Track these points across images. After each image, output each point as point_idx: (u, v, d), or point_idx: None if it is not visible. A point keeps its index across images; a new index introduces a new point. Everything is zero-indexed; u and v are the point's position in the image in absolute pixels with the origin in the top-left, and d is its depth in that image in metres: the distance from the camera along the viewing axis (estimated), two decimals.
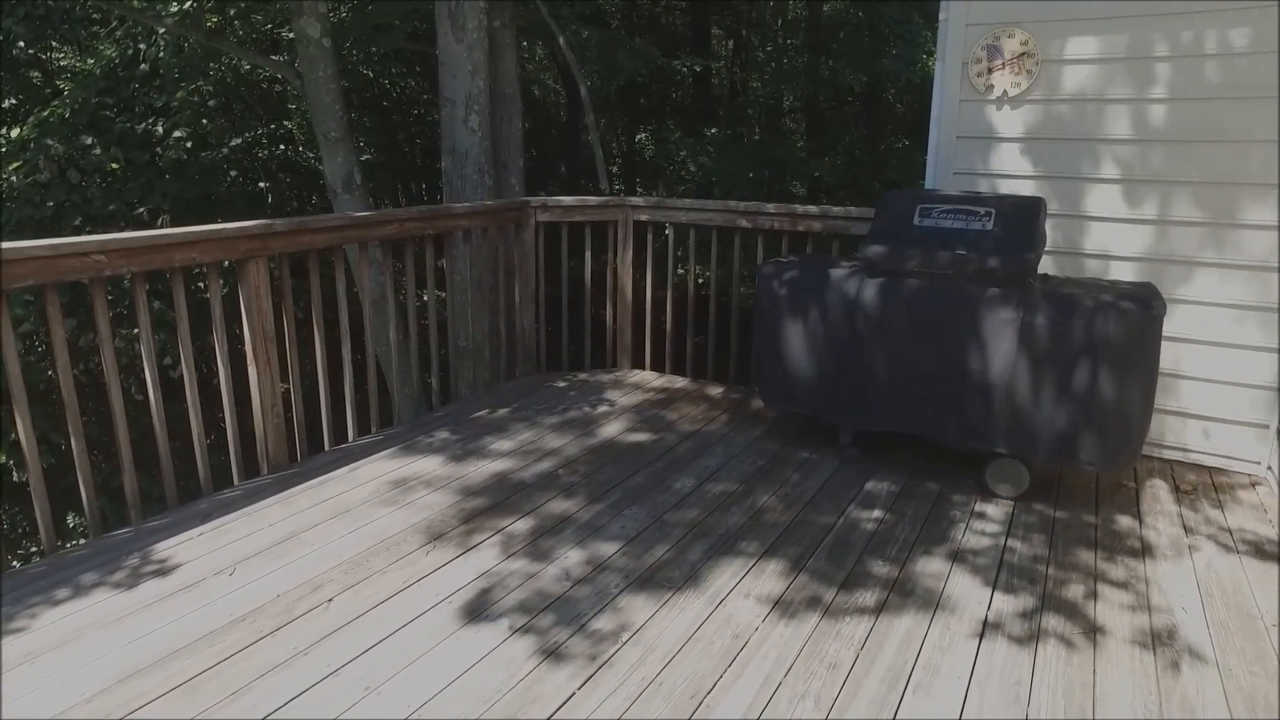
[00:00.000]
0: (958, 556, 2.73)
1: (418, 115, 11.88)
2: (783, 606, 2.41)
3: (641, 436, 3.76)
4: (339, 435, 3.63)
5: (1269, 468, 3.42)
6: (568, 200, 4.65)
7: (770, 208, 4.25)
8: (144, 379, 2.89)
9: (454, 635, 2.22)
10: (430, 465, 3.38)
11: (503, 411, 4.07)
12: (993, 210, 3.19)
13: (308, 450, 3.47)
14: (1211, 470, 3.53)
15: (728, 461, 3.49)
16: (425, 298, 4.17)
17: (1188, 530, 2.97)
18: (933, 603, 2.44)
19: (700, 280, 8.53)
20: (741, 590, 2.49)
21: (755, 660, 2.14)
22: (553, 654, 2.15)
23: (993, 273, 3.05)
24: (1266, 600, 2.50)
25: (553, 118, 13.59)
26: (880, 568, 2.64)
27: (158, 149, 7.19)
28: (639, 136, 13.86)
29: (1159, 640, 2.28)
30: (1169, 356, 3.43)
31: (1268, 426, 3.43)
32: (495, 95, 5.69)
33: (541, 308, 4.71)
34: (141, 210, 7.00)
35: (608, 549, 2.72)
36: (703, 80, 12.99)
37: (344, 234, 3.55)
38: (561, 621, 2.29)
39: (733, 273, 4.45)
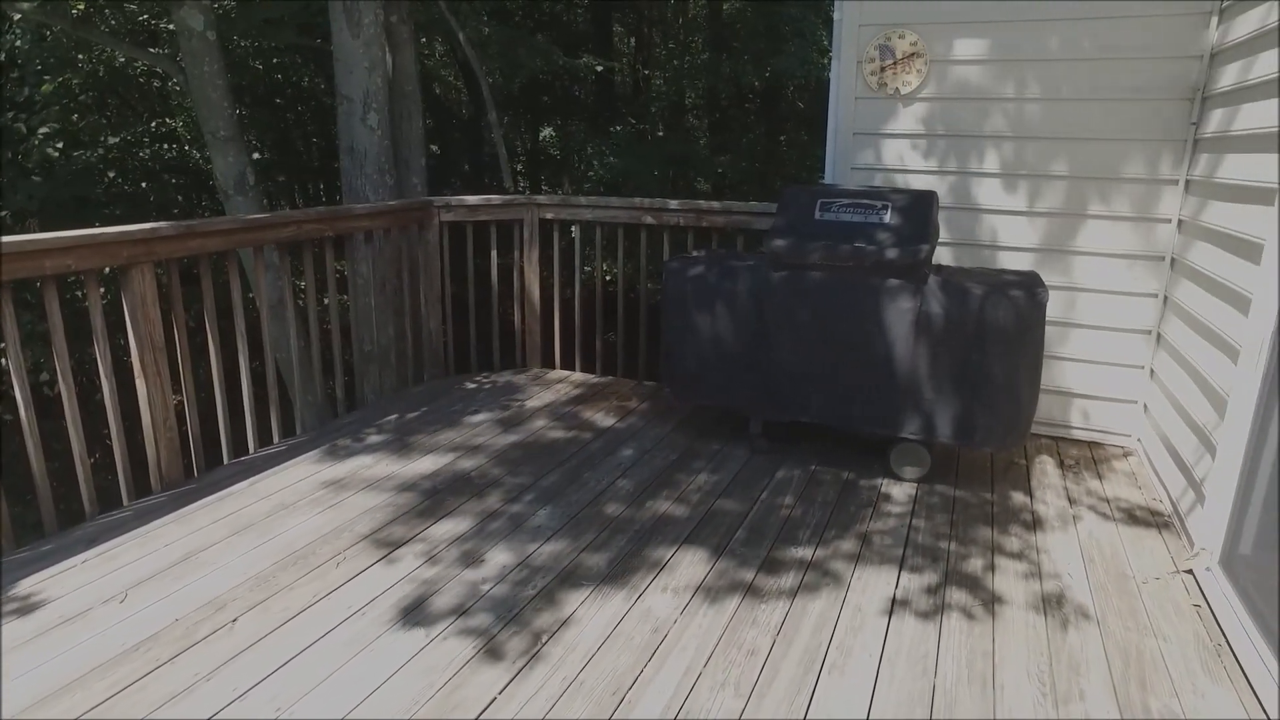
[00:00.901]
0: (866, 538, 2.83)
1: (315, 112, 11.46)
2: (700, 597, 2.44)
3: (554, 435, 3.74)
4: (239, 448, 3.47)
5: (1138, 439, 3.69)
6: (472, 199, 4.57)
7: (674, 204, 4.30)
8: (14, 396, 2.69)
9: (370, 646, 2.16)
10: (338, 474, 3.27)
11: (412, 416, 3.98)
12: (889, 204, 3.31)
13: (205, 465, 3.31)
14: (1091, 445, 3.78)
15: (641, 457, 3.52)
16: (327, 301, 4.03)
17: (1072, 502, 3.17)
18: (844, 584, 2.53)
19: (608, 277, 8.56)
20: (659, 584, 2.51)
21: (675, 652, 2.17)
22: (473, 659, 2.11)
23: (890, 264, 3.17)
24: (1138, 561, 2.70)
25: (455, 115, 13.35)
26: (793, 554, 2.71)
27: (21, 147, 6.68)
28: (543, 134, 13.77)
29: (1049, 605, 2.43)
30: (1052, 340, 3.65)
31: (1136, 402, 3.70)
32: (394, 92, 5.55)
33: (448, 309, 4.62)
34: (4, 213, 6.50)
35: (525, 549, 2.70)
36: (606, 78, 13.00)
37: (237, 237, 3.40)
38: (480, 625, 2.26)
39: (640, 269, 4.48)
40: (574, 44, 11.77)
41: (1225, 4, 3.23)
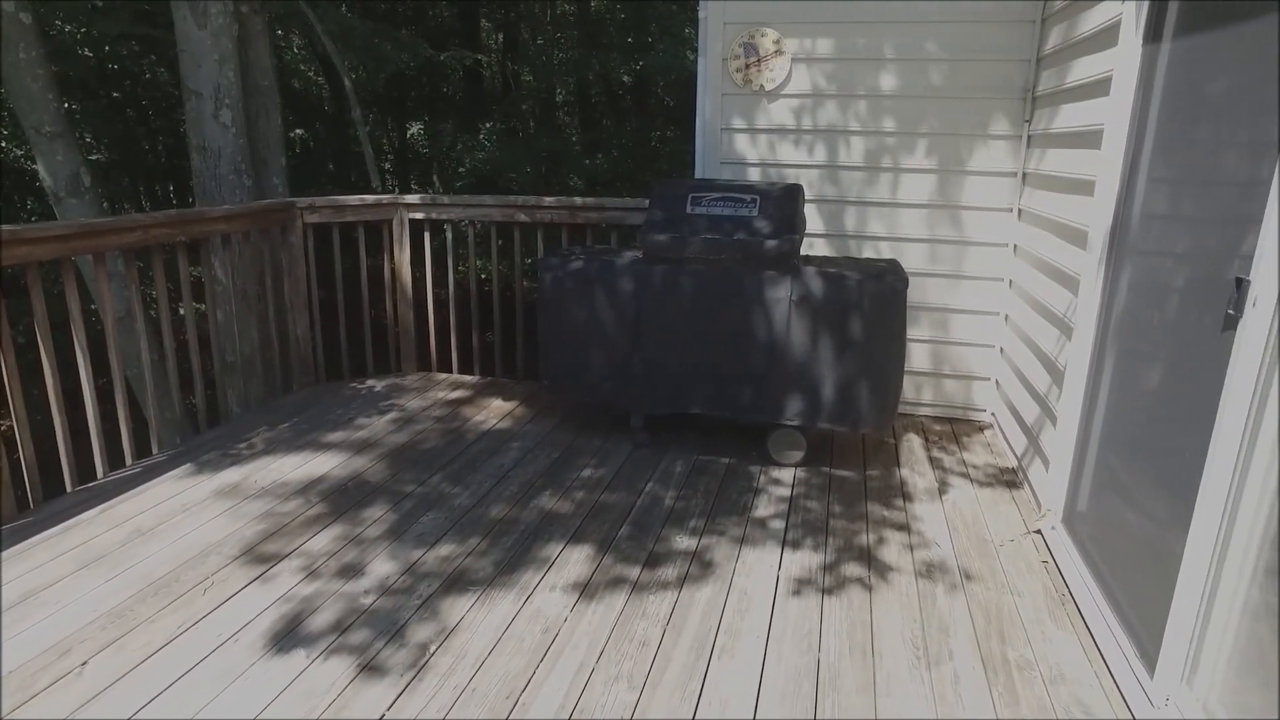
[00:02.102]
0: (750, 523, 2.91)
1: (162, 108, 10.65)
2: (590, 593, 2.45)
3: (434, 439, 3.65)
4: (85, 473, 3.20)
5: (993, 413, 3.97)
6: (338, 199, 4.39)
7: (548, 201, 4.27)
8: None
9: (244, 676, 2.04)
10: (201, 494, 3.07)
11: (282, 427, 3.78)
12: (757, 197, 3.41)
13: (44, 495, 3.02)
14: (952, 421, 4.04)
15: (523, 456, 3.48)
16: (182, 311, 3.76)
17: (938, 474, 3.38)
18: (730, 570, 2.59)
19: (484, 276, 8.41)
20: (548, 583, 2.50)
21: (567, 650, 2.16)
22: (357, 678, 2.03)
23: (762, 255, 3.27)
24: (996, 525, 2.91)
25: (317, 112, 12.75)
26: (680, 543, 2.76)
27: None
28: (411, 131, 13.37)
29: (921, 573, 2.58)
30: (914, 323, 3.87)
31: (990, 379, 3.98)
32: (249, 88, 5.24)
33: (316, 314, 4.42)
34: None
35: (408, 557, 2.62)
36: (474, 74, 12.76)
37: (73, 244, 3.12)
38: (363, 640, 2.18)
39: (515, 267, 4.43)
40: (441, 39, 11.48)
41: (1045, 15, 3.51)
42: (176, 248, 3.62)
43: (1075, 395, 2.70)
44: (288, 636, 2.20)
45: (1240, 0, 1.91)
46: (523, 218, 4.30)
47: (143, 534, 2.76)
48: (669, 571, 2.58)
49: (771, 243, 3.26)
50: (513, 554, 2.67)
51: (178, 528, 2.80)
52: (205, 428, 3.86)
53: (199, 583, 2.46)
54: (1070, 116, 3.07)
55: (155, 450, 3.52)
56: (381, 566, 2.57)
